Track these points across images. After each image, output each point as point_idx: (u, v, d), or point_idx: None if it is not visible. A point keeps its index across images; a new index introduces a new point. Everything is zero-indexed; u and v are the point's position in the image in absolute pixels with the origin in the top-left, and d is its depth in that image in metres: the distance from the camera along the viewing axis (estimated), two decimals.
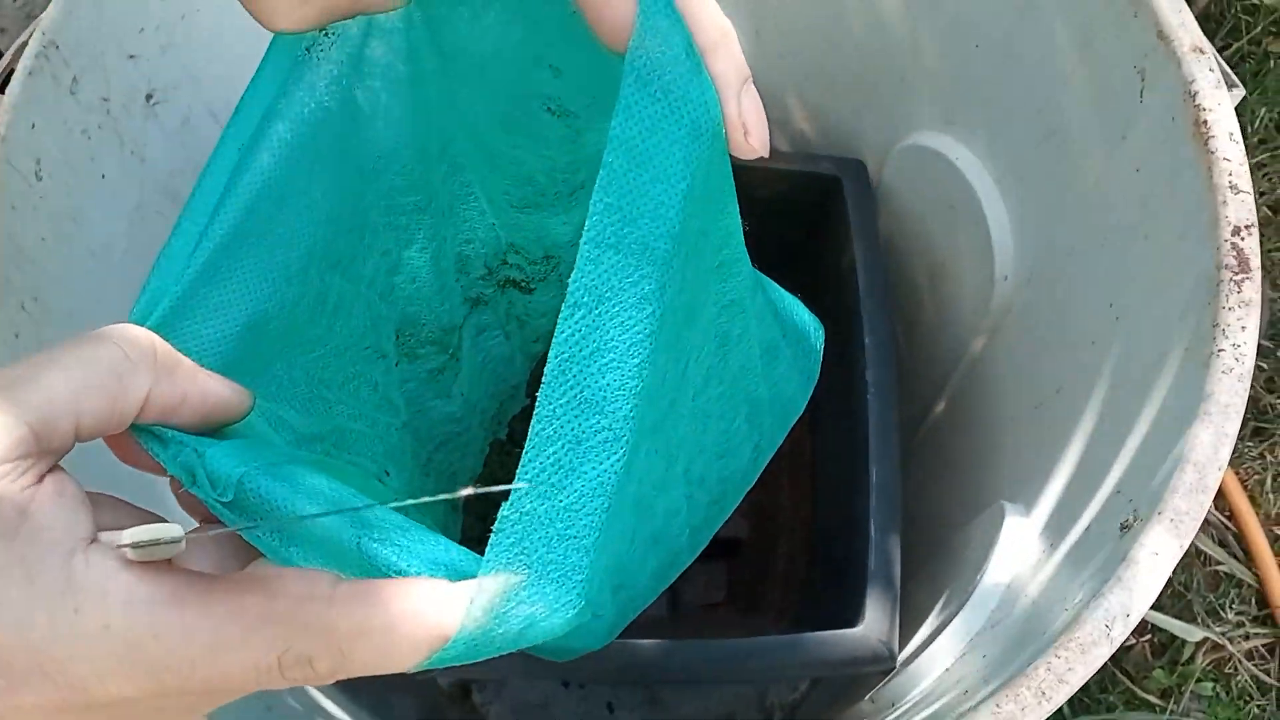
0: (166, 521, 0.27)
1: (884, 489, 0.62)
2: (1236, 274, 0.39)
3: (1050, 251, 0.57)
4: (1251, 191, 0.40)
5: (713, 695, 0.89)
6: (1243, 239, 0.39)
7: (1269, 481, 1.06)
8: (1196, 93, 0.42)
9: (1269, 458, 1.07)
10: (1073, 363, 0.52)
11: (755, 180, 0.72)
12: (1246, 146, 1.15)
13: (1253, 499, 1.06)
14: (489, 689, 0.87)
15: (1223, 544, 1.04)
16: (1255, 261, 0.39)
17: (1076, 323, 0.53)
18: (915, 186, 0.68)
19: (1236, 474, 1.06)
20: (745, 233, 0.66)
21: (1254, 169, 1.18)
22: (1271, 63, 1.17)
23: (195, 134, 0.60)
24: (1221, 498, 1.05)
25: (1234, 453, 1.04)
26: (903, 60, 0.63)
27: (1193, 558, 1.04)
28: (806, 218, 0.73)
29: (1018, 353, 0.61)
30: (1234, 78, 0.47)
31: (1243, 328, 0.37)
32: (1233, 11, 1.20)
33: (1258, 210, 1.13)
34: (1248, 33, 1.20)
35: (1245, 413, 0.98)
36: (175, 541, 0.25)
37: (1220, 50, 1.14)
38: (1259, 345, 1.08)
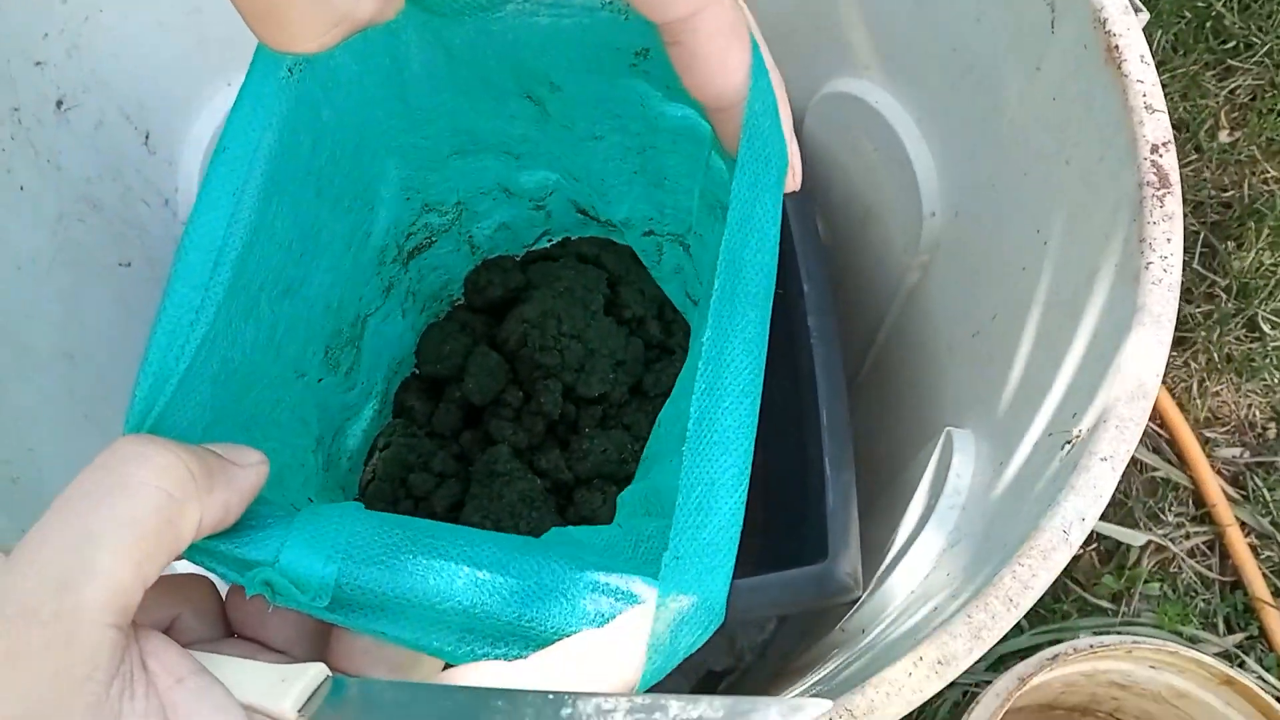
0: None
1: (835, 429, 0.63)
2: (1158, 190, 0.40)
3: (975, 185, 0.59)
4: (1165, 110, 0.42)
5: None
6: (1161, 156, 0.41)
7: (1195, 387, 1.11)
8: (1106, 19, 0.43)
9: (1192, 365, 1.12)
10: (1006, 289, 0.54)
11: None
12: None
13: (1180, 405, 1.10)
14: None
15: (1157, 451, 1.09)
16: (1174, 176, 0.40)
17: (1006, 251, 0.54)
18: (839, 133, 0.69)
19: (1164, 382, 1.10)
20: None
21: None
22: None
23: (110, 138, 0.59)
24: (1152, 406, 1.09)
25: None
26: (816, 6, 0.64)
27: (1130, 467, 1.08)
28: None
29: (951, 285, 0.63)
30: (1138, 3, 0.49)
31: (1168, 240, 0.39)
32: None
33: None
34: None
35: None
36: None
37: None
38: None
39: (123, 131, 0.60)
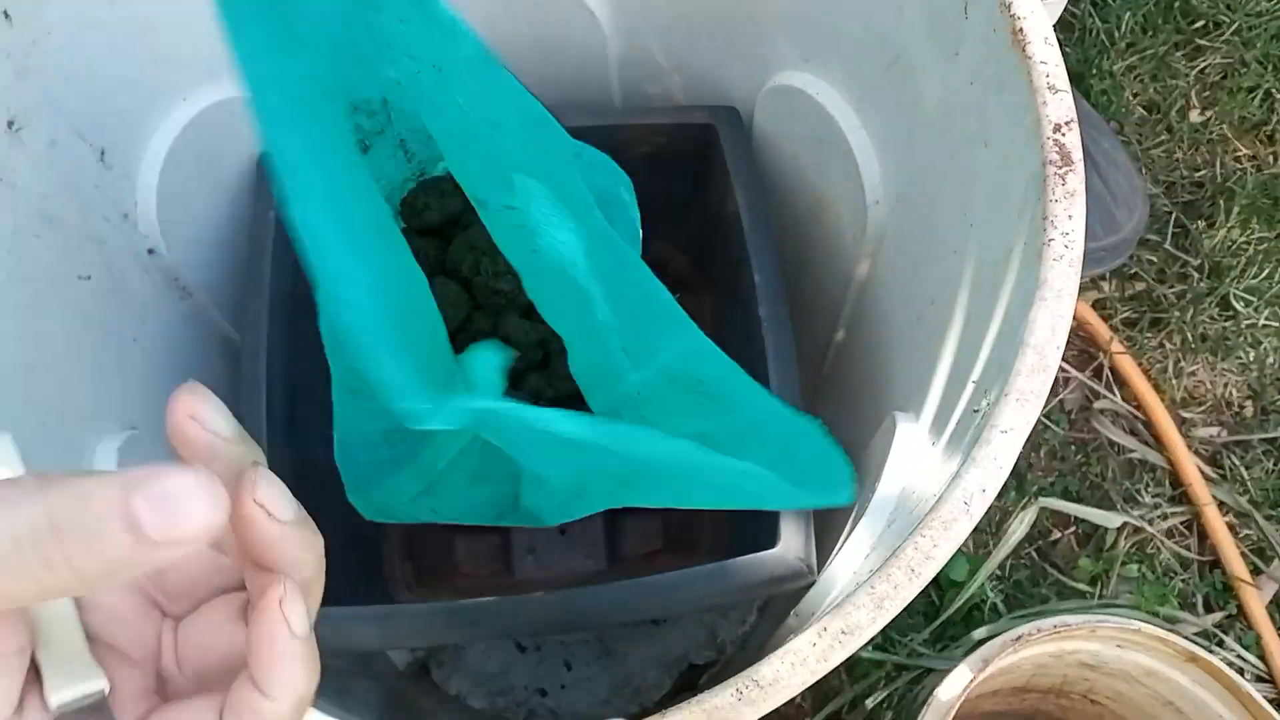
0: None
1: (783, 390, 0.64)
2: (1060, 168, 0.41)
3: (911, 171, 0.59)
4: (1069, 90, 0.43)
5: (663, 639, 0.92)
6: (1064, 135, 0.42)
7: (1170, 368, 1.11)
8: (1010, 4, 0.44)
9: (1167, 345, 1.12)
10: (941, 273, 0.54)
11: (633, 137, 0.73)
12: (1115, 50, 1.18)
13: (1157, 386, 1.11)
14: (446, 664, 0.89)
15: (1133, 433, 1.09)
16: (1077, 155, 0.41)
17: (940, 235, 0.55)
18: (785, 126, 0.70)
19: (1139, 364, 1.10)
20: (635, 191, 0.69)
21: (1126, 71, 1.22)
22: None
23: (65, 156, 0.60)
24: (1127, 387, 1.10)
25: (1134, 344, 1.09)
26: (754, 2, 0.65)
27: (1107, 449, 1.09)
28: (689, 168, 0.75)
29: (897, 271, 0.64)
30: None
31: (1069, 217, 0.40)
32: None
33: (1131, 111, 1.17)
34: None
35: (1142, 306, 1.02)
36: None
37: None
38: (1147, 240, 1.12)
39: (77, 149, 0.61)
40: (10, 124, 0.56)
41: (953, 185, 0.53)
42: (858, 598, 0.34)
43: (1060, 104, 0.42)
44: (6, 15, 0.54)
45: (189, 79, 0.67)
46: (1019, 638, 0.74)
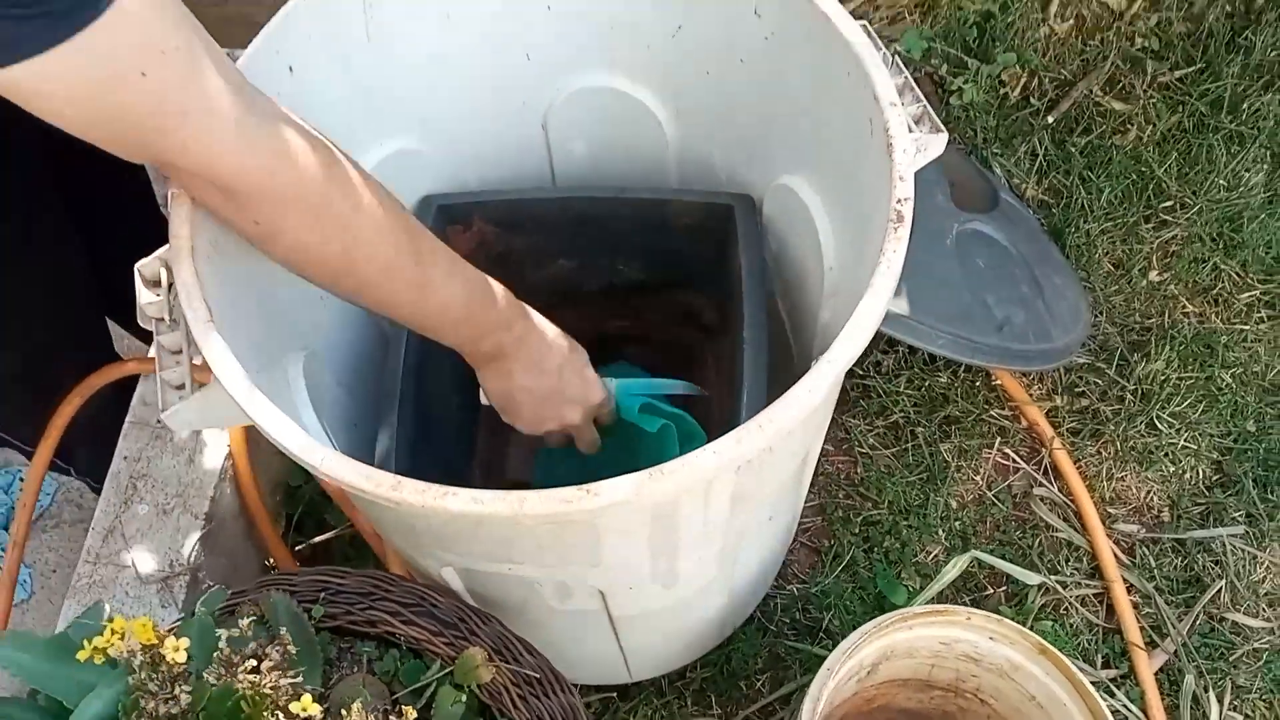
0: None
1: (752, 407, 0.91)
2: (897, 224, 0.70)
3: (850, 243, 0.88)
4: (911, 180, 0.72)
5: None
6: (902, 205, 0.70)
7: (1103, 472, 1.35)
8: (889, 127, 0.74)
9: (1103, 454, 1.36)
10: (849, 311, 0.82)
11: (679, 211, 1.04)
12: (1093, 216, 1.45)
13: (1090, 486, 1.34)
14: None
15: (1065, 519, 1.33)
16: (908, 218, 0.70)
17: (865, 280, 0.83)
18: (782, 212, 1.00)
19: (1076, 464, 1.35)
20: (677, 251, 1.01)
21: (1100, 233, 1.50)
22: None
23: None
24: (1063, 480, 1.34)
25: (1077, 449, 1.34)
26: (765, 129, 0.96)
27: (1041, 529, 1.32)
28: (716, 237, 1.05)
29: (841, 317, 0.92)
30: (938, 123, 0.79)
31: (894, 251, 0.69)
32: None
33: (1100, 264, 1.43)
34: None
35: (1086, 418, 1.30)
36: None
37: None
38: (1096, 366, 1.38)
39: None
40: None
41: (870, 255, 0.81)
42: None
43: (904, 186, 0.71)
44: (290, 70, 0.87)
45: (385, 130, 0.99)
46: (883, 624, 0.97)
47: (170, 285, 0.77)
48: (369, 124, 0.96)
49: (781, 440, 0.66)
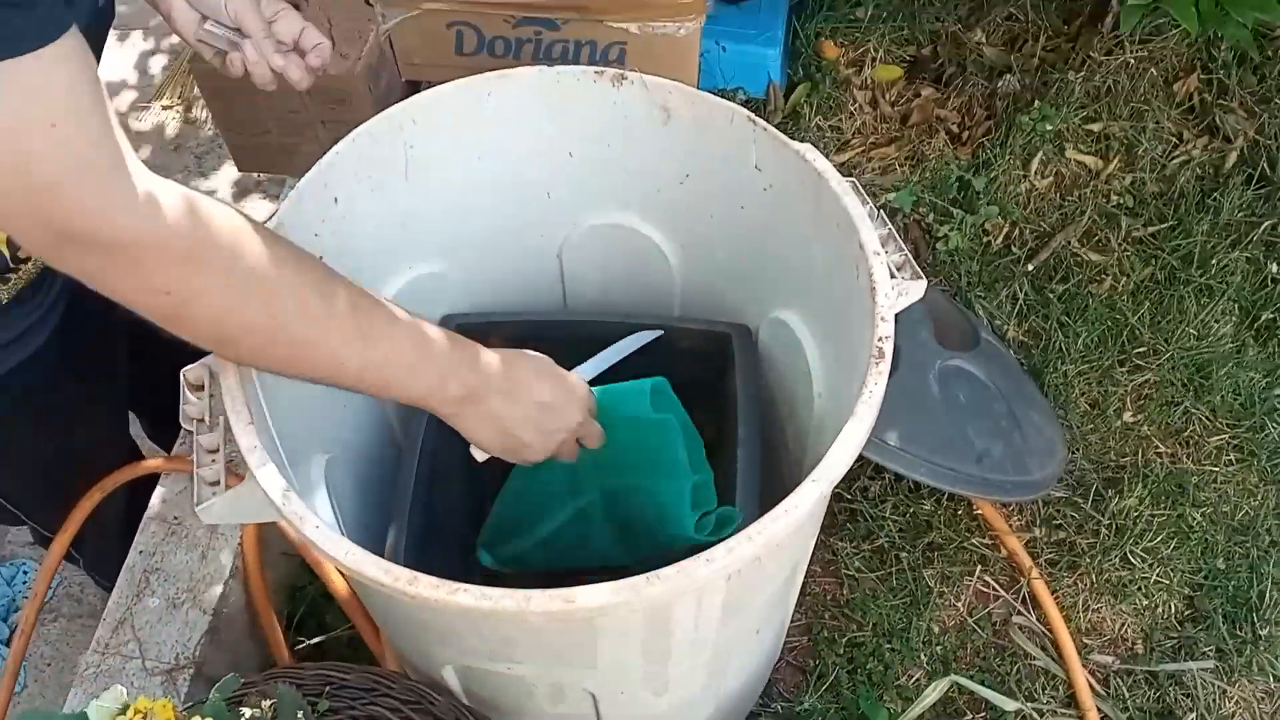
0: None
1: (745, 503, 0.97)
2: (878, 360, 0.78)
3: (838, 374, 0.96)
4: (892, 320, 0.80)
5: None
6: (883, 343, 0.78)
7: (1080, 603, 1.40)
8: (873, 273, 0.82)
9: (1079, 585, 1.42)
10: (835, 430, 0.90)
11: (681, 336, 1.12)
12: (1070, 358, 1.53)
13: (1066, 617, 1.39)
14: None
15: (1042, 648, 1.37)
16: (888, 354, 0.78)
17: (850, 408, 0.90)
18: (777, 343, 1.08)
19: (1054, 594, 1.40)
20: (678, 374, 1.08)
21: (1077, 375, 1.58)
22: None
23: None
24: (1041, 610, 1.38)
25: (1054, 579, 1.39)
26: (762, 267, 1.05)
27: (1019, 657, 1.37)
28: (715, 363, 1.13)
29: (829, 439, 0.99)
30: (919, 270, 0.88)
31: (876, 383, 0.76)
32: None
33: (1077, 404, 1.51)
34: None
35: (1063, 550, 1.35)
36: None
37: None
38: (1073, 500, 1.44)
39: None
40: (319, 258, 0.98)
41: (854, 386, 0.89)
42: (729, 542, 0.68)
43: (885, 325, 0.79)
44: (336, 200, 0.96)
45: (416, 254, 1.08)
46: None
47: (211, 390, 0.84)
48: (402, 249, 1.05)
49: (771, 551, 0.72)
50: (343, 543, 0.70)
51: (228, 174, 2.10)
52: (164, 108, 2.29)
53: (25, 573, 1.79)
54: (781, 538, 0.71)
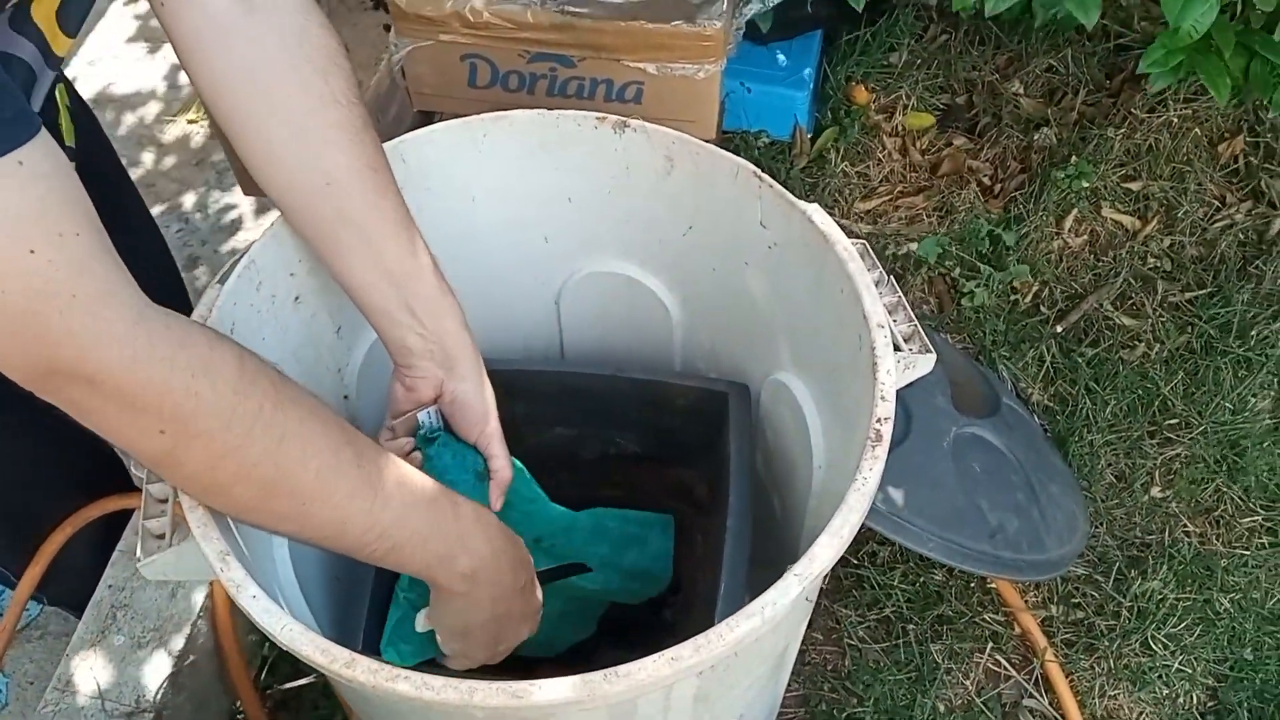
0: None
1: (729, 596, 0.91)
2: (875, 443, 0.72)
3: (840, 447, 0.90)
4: (893, 399, 0.74)
5: None
6: (881, 425, 0.72)
7: (1096, 688, 1.32)
8: (874, 347, 0.76)
9: (1096, 669, 1.34)
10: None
11: (677, 393, 1.07)
12: (1097, 427, 1.45)
13: (1081, 703, 1.31)
14: None
15: None
16: (886, 437, 0.72)
17: (845, 489, 0.84)
18: (777, 406, 1.02)
19: (1068, 677, 1.32)
20: (673, 430, 1.02)
21: (1104, 445, 1.50)
22: None
23: (317, 325, 0.96)
24: (1054, 694, 1.31)
25: (1070, 661, 1.32)
26: (765, 326, 0.99)
27: None
28: (711, 421, 1.07)
29: (826, 516, 0.93)
30: (928, 344, 0.82)
31: (870, 469, 0.70)
32: None
33: (1103, 476, 1.43)
34: None
35: (1080, 632, 1.28)
36: None
37: None
38: (1094, 579, 1.36)
39: (325, 323, 0.98)
40: (296, 299, 0.93)
41: (854, 455, 0.83)
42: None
43: (886, 406, 0.73)
44: None
45: None
46: None
47: None
48: None
49: (747, 648, 0.66)
50: (280, 617, 0.65)
51: None
52: (189, 121, 2.28)
53: (6, 590, 1.76)
54: (758, 634, 0.65)
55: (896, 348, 0.80)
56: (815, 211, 0.85)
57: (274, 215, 0.86)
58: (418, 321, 0.81)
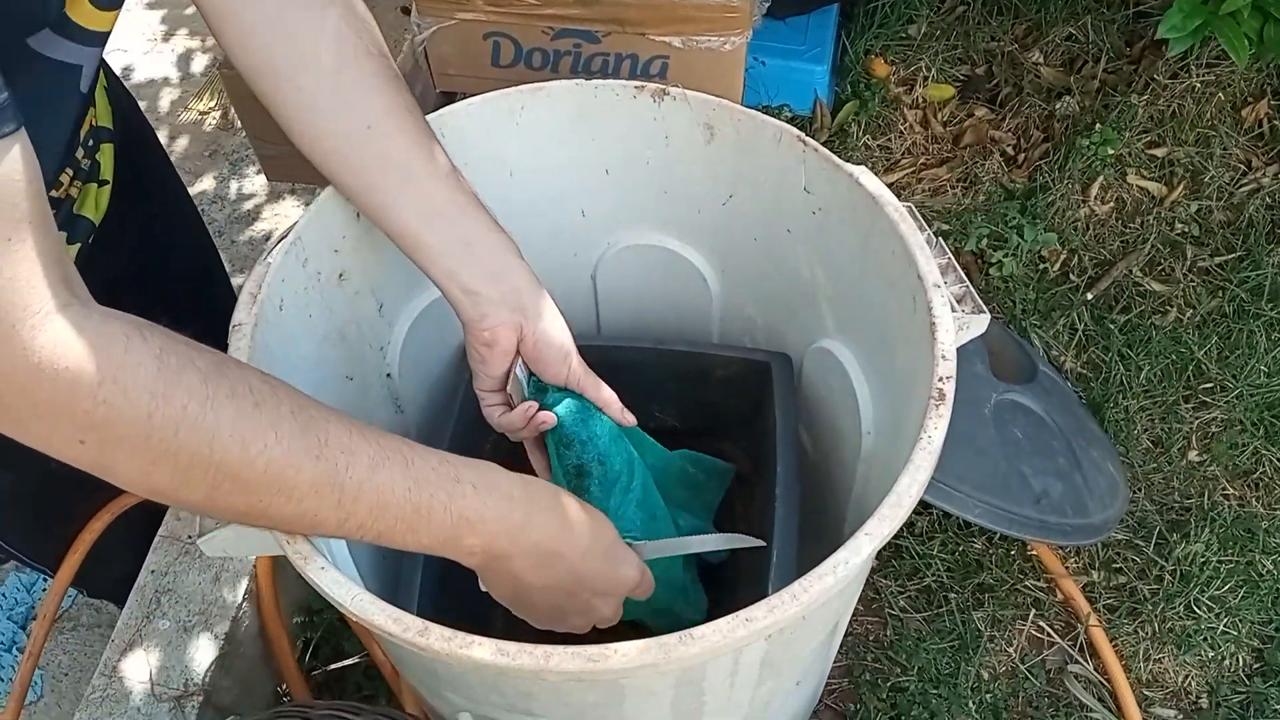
0: None
1: (782, 565, 0.91)
2: (939, 402, 0.71)
3: (890, 412, 0.89)
4: (954, 358, 0.73)
5: None
6: (944, 384, 0.72)
7: (1140, 652, 1.32)
8: (932, 307, 0.76)
9: (1140, 633, 1.33)
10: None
11: (718, 364, 1.06)
12: (1131, 393, 1.46)
13: (1126, 667, 1.31)
14: None
15: (1100, 699, 1.29)
16: (950, 396, 0.71)
17: (902, 450, 0.84)
18: (822, 374, 1.01)
19: (1112, 642, 1.31)
20: (713, 403, 1.02)
21: (1139, 410, 1.50)
22: None
23: (361, 301, 0.96)
24: (1099, 659, 1.30)
25: (1113, 626, 1.31)
26: (808, 294, 0.99)
27: (1075, 708, 1.28)
28: (752, 393, 1.06)
29: (877, 480, 0.92)
30: (980, 304, 0.81)
31: (935, 428, 0.70)
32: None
33: (1139, 441, 1.43)
34: None
35: (1123, 596, 1.27)
36: None
37: None
38: (1135, 544, 1.36)
39: (368, 300, 0.97)
40: (340, 275, 0.93)
41: (912, 419, 0.82)
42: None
43: (947, 365, 0.73)
44: (358, 217, 0.91)
45: None
46: None
47: None
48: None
49: (815, 610, 0.66)
50: (350, 588, 0.65)
51: (261, 180, 2.07)
52: (201, 112, 2.28)
53: (47, 578, 1.76)
54: (827, 596, 0.65)
55: (950, 309, 0.79)
56: (863, 173, 0.85)
57: (288, 204, 0.86)
58: (478, 260, 0.77)
